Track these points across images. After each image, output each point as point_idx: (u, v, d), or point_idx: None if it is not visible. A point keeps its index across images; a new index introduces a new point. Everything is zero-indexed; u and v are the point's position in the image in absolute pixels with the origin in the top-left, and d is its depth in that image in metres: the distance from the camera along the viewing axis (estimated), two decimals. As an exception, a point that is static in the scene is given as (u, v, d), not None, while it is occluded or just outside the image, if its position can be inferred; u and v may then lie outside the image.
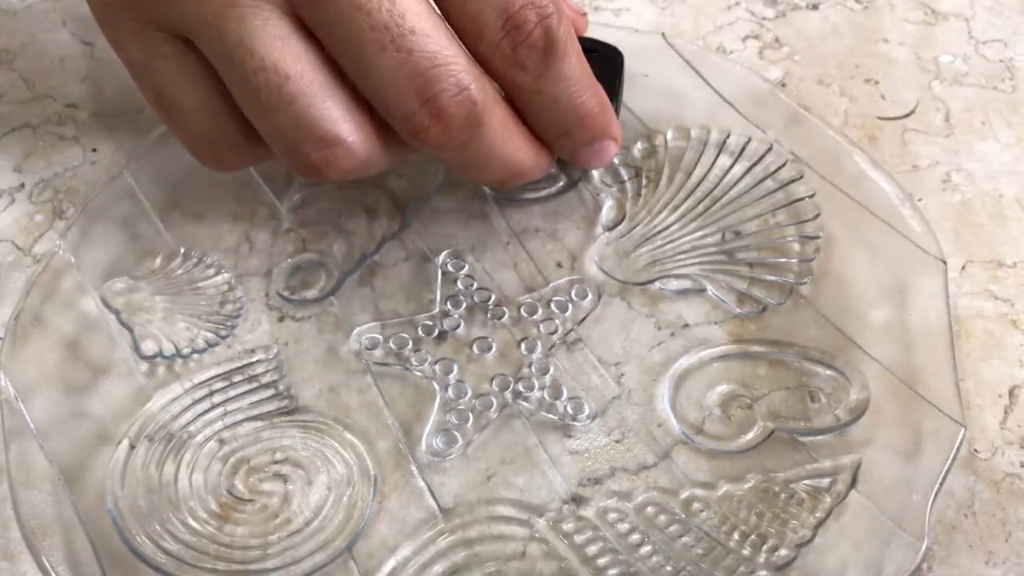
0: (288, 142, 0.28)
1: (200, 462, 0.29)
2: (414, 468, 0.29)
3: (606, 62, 0.35)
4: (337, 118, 0.28)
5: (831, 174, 0.35)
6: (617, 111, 0.34)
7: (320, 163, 0.28)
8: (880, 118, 0.38)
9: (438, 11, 0.28)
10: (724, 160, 0.35)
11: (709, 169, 0.35)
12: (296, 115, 0.27)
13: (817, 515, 0.28)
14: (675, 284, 0.33)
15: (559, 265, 0.34)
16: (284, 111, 0.27)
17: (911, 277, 0.32)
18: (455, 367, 0.31)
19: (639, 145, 0.36)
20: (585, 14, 0.36)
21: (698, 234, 0.34)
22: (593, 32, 0.37)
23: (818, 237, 0.34)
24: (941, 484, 0.28)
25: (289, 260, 0.34)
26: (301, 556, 0.28)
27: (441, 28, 0.27)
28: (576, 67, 0.30)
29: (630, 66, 0.36)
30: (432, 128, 0.27)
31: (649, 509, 0.28)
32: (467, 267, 0.33)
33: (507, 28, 0.27)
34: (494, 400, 0.30)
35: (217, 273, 0.33)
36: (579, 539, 0.28)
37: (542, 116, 0.31)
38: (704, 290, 0.33)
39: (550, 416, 0.30)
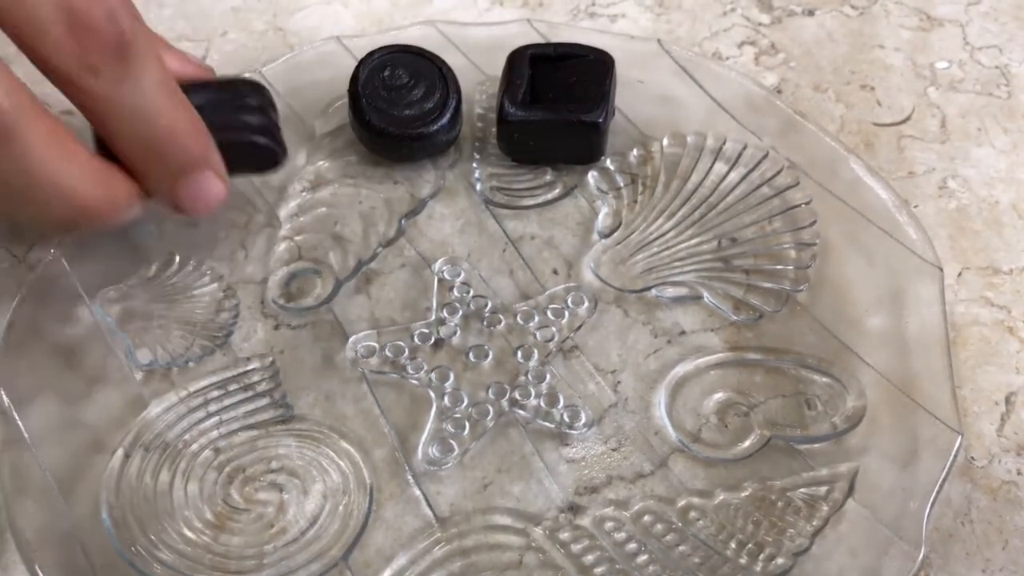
0: None
1: (195, 471, 0.29)
2: (410, 477, 0.29)
3: (596, 65, 0.35)
4: None
5: (827, 181, 0.35)
6: (609, 114, 0.34)
7: None
8: (876, 124, 0.38)
9: None
10: (720, 167, 0.35)
11: (705, 176, 0.35)
12: None
13: (814, 523, 0.28)
14: (671, 291, 0.33)
15: (555, 272, 0.34)
16: None
17: (907, 284, 0.32)
18: (451, 375, 0.31)
19: (635, 152, 0.36)
20: (211, 69, 0.33)
21: (694, 241, 0.34)
22: (589, 38, 0.37)
23: (814, 244, 0.34)
24: (938, 492, 0.28)
25: (285, 268, 0.33)
26: (297, 566, 0.28)
27: None
28: (159, 77, 0.26)
29: (626, 72, 0.36)
30: None
31: (646, 518, 0.28)
32: (463, 274, 0.33)
33: (71, 22, 0.24)
34: (490, 408, 0.30)
35: (212, 281, 0.33)
36: (576, 548, 0.28)
37: (124, 131, 0.27)
38: (700, 297, 0.33)
39: (546, 424, 0.30)
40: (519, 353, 0.31)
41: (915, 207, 0.36)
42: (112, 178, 0.27)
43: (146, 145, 0.27)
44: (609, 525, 0.28)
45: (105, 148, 0.28)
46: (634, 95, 0.37)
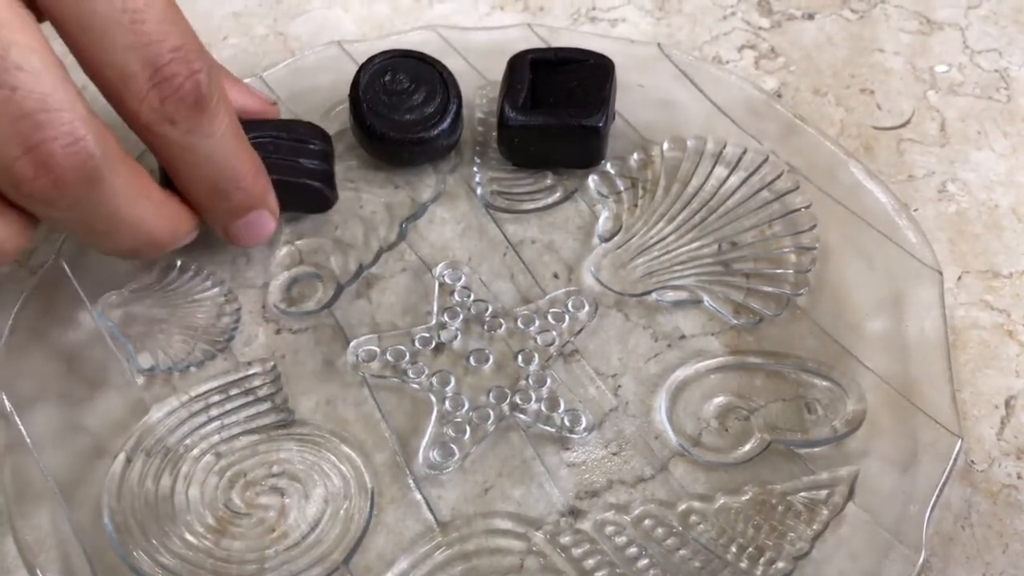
0: None
1: (197, 476, 0.29)
2: (411, 481, 0.29)
3: (596, 69, 0.35)
4: None
5: (827, 185, 0.35)
6: (609, 118, 0.34)
7: None
8: (876, 128, 0.38)
9: (54, 56, 0.25)
10: (720, 171, 0.36)
11: (705, 180, 0.35)
12: None
13: (814, 527, 0.28)
14: (672, 295, 0.33)
15: (556, 276, 0.34)
16: None
17: (907, 288, 0.32)
18: (452, 379, 0.31)
19: (635, 156, 0.36)
20: (275, 103, 0.35)
21: (694, 245, 0.34)
22: (589, 42, 0.37)
23: (814, 248, 0.34)
24: (938, 496, 0.28)
25: (286, 272, 0.34)
26: (298, 570, 0.28)
27: (57, 71, 0.24)
28: (229, 126, 0.28)
29: (626, 77, 0.36)
30: (39, 181, 0.24)
31: (646, 522, 0.28)
32: (464, 279, 0.33)
33: (155, 80, 0.26)
34: (491, 412, 0.30)
35: (214, 286, 0.33)
36: (576, 552, 0.28)
37: (194, 174, 0.29)
38: (701, 301, 0.33)
39: (547, 428, 0.30)
40: (520, 357, 0.32)
41: (915, 211, 0.36)
42: (177, 211, 0.30)
43: (212, 186, 0.29)
44: (610, 529, 0.28)
45: (167, 180, 0.30)
46: (634, 99, 0.37)
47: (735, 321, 0.32)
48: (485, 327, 0.32)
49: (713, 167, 0.36)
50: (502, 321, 0.32)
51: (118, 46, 0.26)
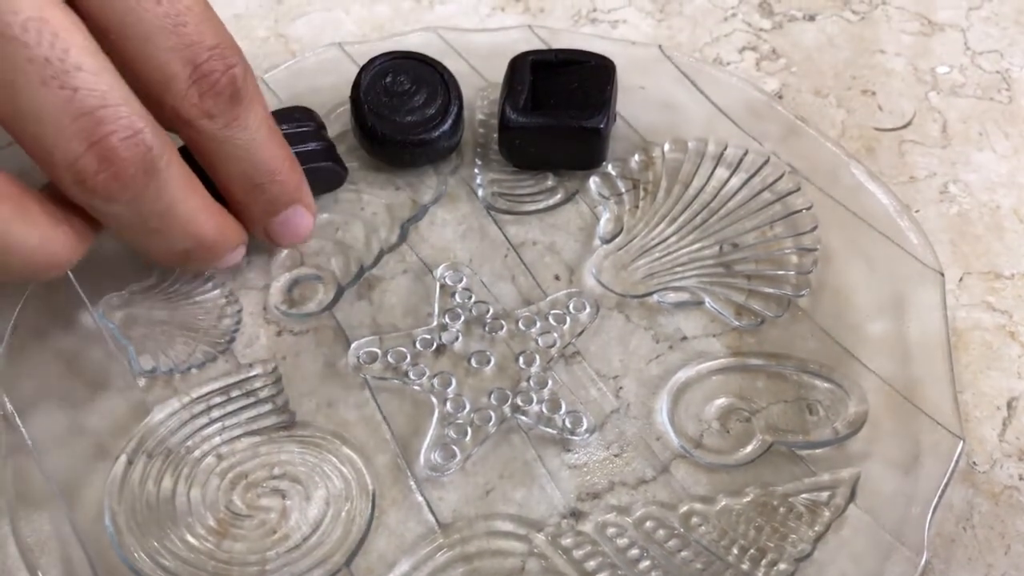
0: None
1: (198, 478, 0.29)
2: (412, 483, 0.29)
3: (597, 71, 0.35)
4: None
5: (828, 186, 0.35)
6: (610, 120, 0.34)
7: None
8: (877, 129, 0.38)
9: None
10: (721, 172, 0.36)
11: (706, 181, 0.35)
12: None
13: (816, 529, 0.28)
14: (673, 297, 0.33)
15: (557, 278, 0.34)
16: None
17: (909, 289, 0.32)
18: (453, 381, 0.31)
19: (636, 157, 0.36)
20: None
21: (696, 246, 0.34)
22: (590, 44, 0.37)
23: (816, 249, 0.34)
24: (940, 497, 0.28)
25: (287, 274, 0.34)
26: (299, 572, 0.28)
27: (112, 69, 0.25)
28: (264, 119, 0.29)
29: (627, 78, 0.36)
30: (101, 174, 0.25)
31: (648, 524, 0.28)
32: (465, 280, 0.33)
33: (194, 77, 0.27)
34: (492, 414, 0.30)
35: (215, 288, 0.33)
36: (578, 554, 0.28)
37: (232, 169, 0.29)
38: (702, 303, 0.33)
39: (548, 430, 0.30)
40: (521, 359, 0.32)
41: (916, 212, 0.36)
42: (223, 215, 0.30)
43: (248, 180, 0.30)
44: (611, 531, 0.28)
45: None
46: (635, 101, 0.37)
47: (736, 322, 0.32)
48: (486, 329, 0.32)
49: (714, 168, 0.36)
50: (503, 323, 0.32)
51: (162, 49, 0.27)
